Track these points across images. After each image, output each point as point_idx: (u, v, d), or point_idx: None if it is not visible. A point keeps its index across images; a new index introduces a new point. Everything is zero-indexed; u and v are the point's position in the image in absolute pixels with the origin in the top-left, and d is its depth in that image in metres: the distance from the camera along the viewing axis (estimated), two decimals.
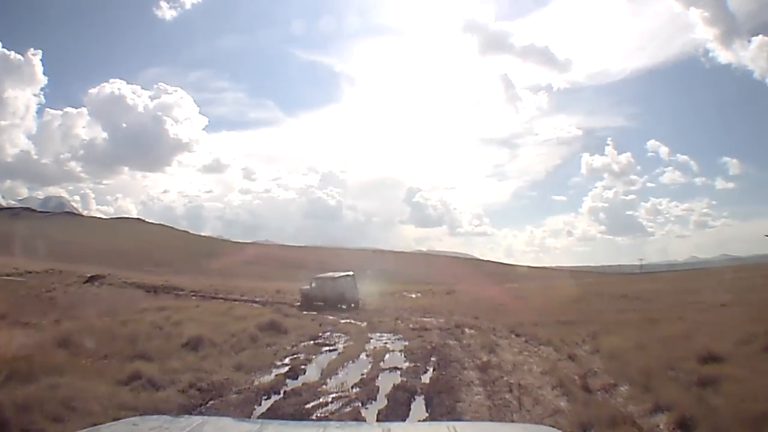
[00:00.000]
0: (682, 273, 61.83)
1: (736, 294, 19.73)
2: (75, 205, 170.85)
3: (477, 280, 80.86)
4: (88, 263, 52.60)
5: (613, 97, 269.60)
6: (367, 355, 12.27)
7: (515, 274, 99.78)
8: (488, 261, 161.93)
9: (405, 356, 12.03)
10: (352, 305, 25.42)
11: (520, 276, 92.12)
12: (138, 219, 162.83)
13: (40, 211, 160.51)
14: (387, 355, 12.28)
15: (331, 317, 21.99)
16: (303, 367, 10.68)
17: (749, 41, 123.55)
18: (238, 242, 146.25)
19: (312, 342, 14.06)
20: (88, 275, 40.03)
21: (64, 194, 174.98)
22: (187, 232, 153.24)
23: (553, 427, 2.66)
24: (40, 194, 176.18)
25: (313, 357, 11.95)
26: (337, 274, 28.07)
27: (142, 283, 40.69)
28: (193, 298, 31.97)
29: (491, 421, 6.00)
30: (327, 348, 13.21)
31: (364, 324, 19.14)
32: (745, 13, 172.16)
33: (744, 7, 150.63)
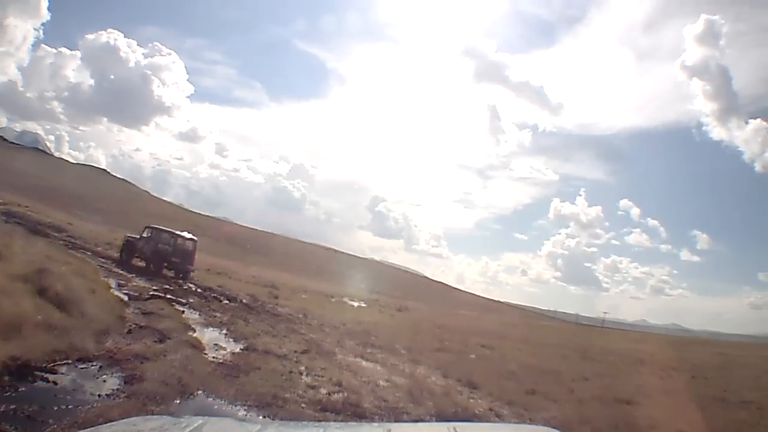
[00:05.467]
0: (666, 336, 54.03)
1: None
2: (48, 144, 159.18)
3: (427, 299, 72.26)
4: (14, 194, 44.58)
5: (596, 149, 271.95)
6: None
7: (464, 301, 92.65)
8: (438, 282, 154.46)
9: None
10: (181, 275, 20.72)
11: (469, 303, 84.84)
12: (103, 170, 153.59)
13: (11, 142, 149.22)
14: None
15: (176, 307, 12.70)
16: None
17: (746, 122, 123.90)
18: (192, 211, 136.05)
19: None
20: None
21: (41, 131, 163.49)
22: (148, 192, 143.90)
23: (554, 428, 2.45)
24: (18, 126, 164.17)
25: None
26: (179, 232, 22.64)
27: (26, 215, 32.40)
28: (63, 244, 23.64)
29: (491, 422, 5.16)
30: None
31: (233, 349, 9.51)
32: (749, 95, 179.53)
33: (749, 89, 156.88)
